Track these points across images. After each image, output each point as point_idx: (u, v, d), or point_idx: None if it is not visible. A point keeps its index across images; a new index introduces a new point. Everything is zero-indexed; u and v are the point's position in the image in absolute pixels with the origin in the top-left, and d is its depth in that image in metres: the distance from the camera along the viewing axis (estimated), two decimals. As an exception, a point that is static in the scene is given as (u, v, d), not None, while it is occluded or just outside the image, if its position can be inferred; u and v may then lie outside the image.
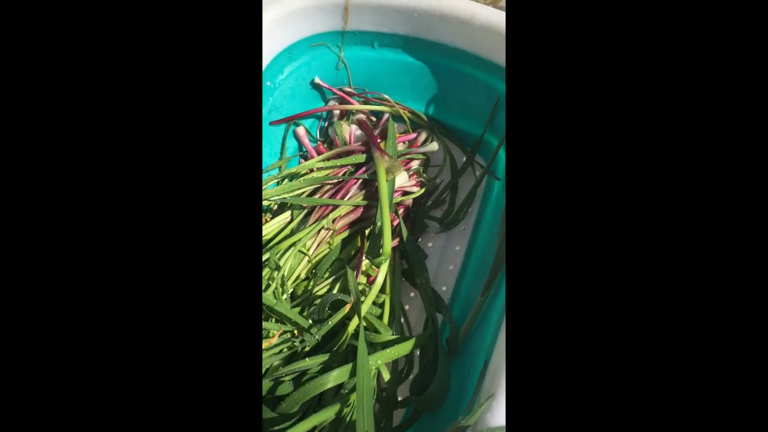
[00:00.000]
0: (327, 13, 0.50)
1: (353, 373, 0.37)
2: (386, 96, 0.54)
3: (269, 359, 0.38)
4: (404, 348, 0.40)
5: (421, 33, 0.50)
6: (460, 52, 0.49)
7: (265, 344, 0.39)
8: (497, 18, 0.45)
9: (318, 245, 0.48)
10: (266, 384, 0.38)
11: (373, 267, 0.49)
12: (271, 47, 0.50)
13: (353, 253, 0.50)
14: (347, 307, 0.42)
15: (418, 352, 0.45)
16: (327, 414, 0.35)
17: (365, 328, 0.44)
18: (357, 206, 0.50)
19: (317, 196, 0.50)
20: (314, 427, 0.35)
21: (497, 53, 0.47)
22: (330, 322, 0.41)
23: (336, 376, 0.36)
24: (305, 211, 0.50)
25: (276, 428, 0.34)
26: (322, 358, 0.39)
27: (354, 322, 0.42)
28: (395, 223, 0.51)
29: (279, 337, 0.40)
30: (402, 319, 0.48)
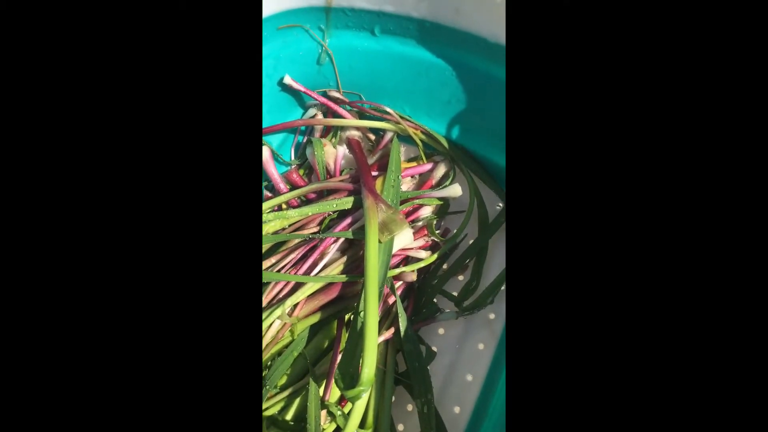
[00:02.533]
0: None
1: None
2: (389, 108, 0.37)
3: None
4: None
5: (445, 18, 0.33)
6: (503, 49, 0.31)
7: None
8: None
9: (272, 340, 0.32)
10: None
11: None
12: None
13: (325, 345, 0.34)
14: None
15: None
16: None
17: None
18: (333, 282, 0.33)
19: (276, 258, 0.34)
20: None
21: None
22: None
23: None
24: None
25: None
26: None
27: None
28: (391, 302, 0.34)
29: None
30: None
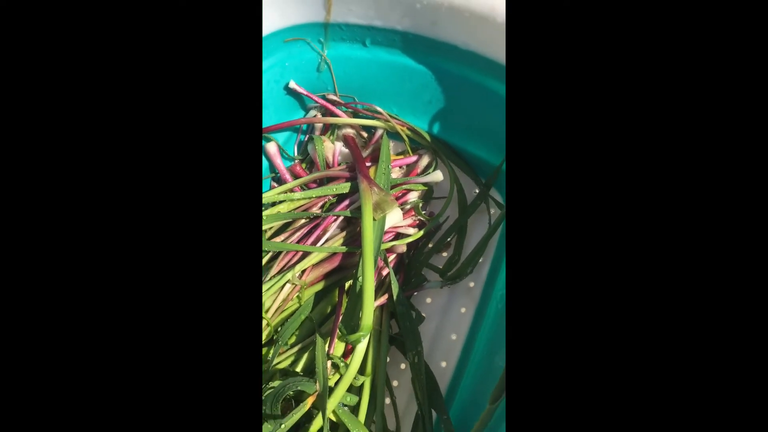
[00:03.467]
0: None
1: None
2: (379, 108, 0.43)
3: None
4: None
5: (425, 30, 0.38)
6: (475, 56, 0.38)
7: None
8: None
9: (283, 302, 0.37)
10: None
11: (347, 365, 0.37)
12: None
13: (329, 310, 0.39)
14: (309, 401, 0.31)
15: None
16: None
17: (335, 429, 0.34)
18: (335, 253, 0.38)
19: (285, 236, 0.39)
20: None
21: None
22: (284, 425, 0.30)
23: None
24: (268, 255, 0.39)
25: None
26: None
27: (318, 423, 0.31)
28: (384, 273, 0.40)
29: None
30: (388, 402, 0.37)
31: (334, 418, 0.34)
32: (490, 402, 0.30)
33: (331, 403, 0.32)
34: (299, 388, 0.32)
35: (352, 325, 0.35)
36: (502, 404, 0.30)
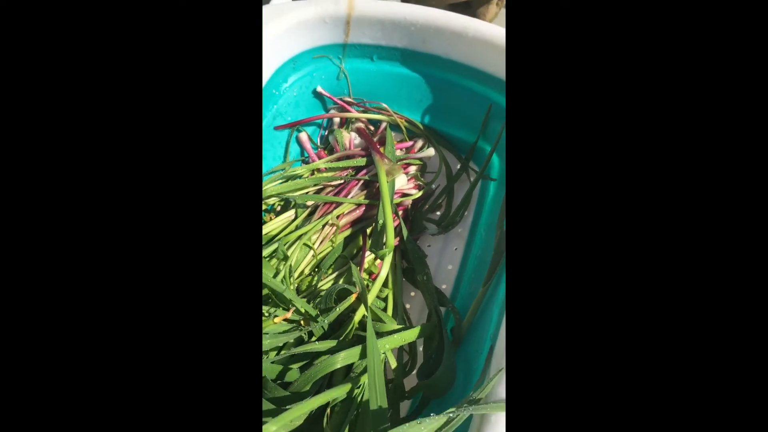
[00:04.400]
0: (330, 26, 0.53)
1: (362, 355, 0.37)
2: (384, 105, 0.57)
3: (274, 341, 0.39)
4: (410, 335, 0.41)
5: (417, 46, 0.53)
6: (454, 63, 0.53)
7: (270, 324, 0.40)
8: (489, 30, 0.49)
9: (322, 242, 0.49)
10: (274, 368, 0.38)
11: (375, 264, 0.50)
12: (276, 57, 0.53)
13: (355, 251, 0.52)
14: (353, 297, 0.43)
15: (423, 345, 0.46)
16: (339, 392, 0.35)
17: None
18: (359, 205, 0.51)
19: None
20: (327, 405, 0.35)
21: (489, 64, 0.50)
22: (337, 309, 0.42)
23: (345, 357, 0.37)
24: (309, 209, 0.51)
25: (288, 407, 0.34)
26: (330, 343, 0.40)
27: (360, 312, 0.43)
28: (395, 223, 0.53)
29: (286, 323, 0.41)
30: (404, 315, 0.49)
31: (369, 315, 0.45)
32: (483, 285, 0.43)
33: (369, 298, 0.44)
34: (345, 286, 0.43)
35: (377, 248, 0.48)
36: (491, 288, 0.43)
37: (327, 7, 0.52)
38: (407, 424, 0.29)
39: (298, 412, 0.32)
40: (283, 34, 0.52)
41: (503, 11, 0.81)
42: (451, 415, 0.29)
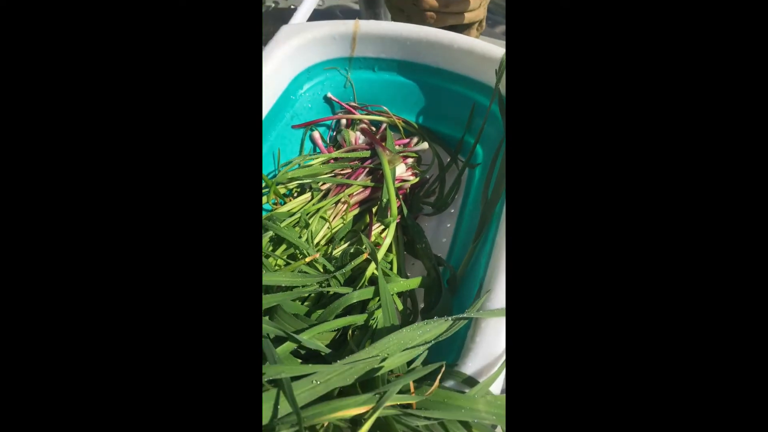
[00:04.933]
0: (338, 42, 0.64)
1: (375, 293, 0.46)
2: (385, 108, 0.67)
3: (301, 279, 0.47)
4: (414, 283, 0.49)
5: (412, 57, 0.64)
6: (442, 71, 0.63)
7: (299, 264, 0.48)
8: (471, 42, 0.59)
9: (335, 218, 0.58)
10: (301, 308, 0.46)
11: (381, 237, 0.58)
12: (293, 68, 0.63)
13: (363, 228, 0.60)
14: (364, 255, 0.51)
15: (423, 299, 0.54)
16: (358, 318, 0.43)
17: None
18: (366, 187, 0.60)
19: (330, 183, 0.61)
20: (349, 328, 0.43)
21: (471, 70, 0.61)
22: (352, 263, 0.50)
23: (360, 294, 0.45)
24: (322, 193, 0.60)
25: (311, 330, 0.41)
26: (347, 289, 0.48)
27: (370, 269, 0.51)
28: (397, 204, 0.62)
29: (309, 268, 0.49)
30: (407, 276, 0.57)
31: (379, 267, 0.54)
32: (473, 242, 0.51)
33: (378, 256, 0.52)
34: (358, 247, 0.52)
35: (383, 217, 0.56)
36: (479, 245, 0.52)
37: (337, 26, 0.63)
38: (416, 324, 0.37)
39: (327, 327, 0.40)
40: (299, 49, 0.62)
41: (481, 36, 0.93)
42: (452, 321, 0.38)
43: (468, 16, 0.81)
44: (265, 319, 0.41)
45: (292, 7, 1.02)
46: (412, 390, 0.33)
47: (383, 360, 0.34)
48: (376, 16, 1.08)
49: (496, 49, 0.57)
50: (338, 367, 0.32)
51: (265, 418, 0.29)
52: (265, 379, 0.30)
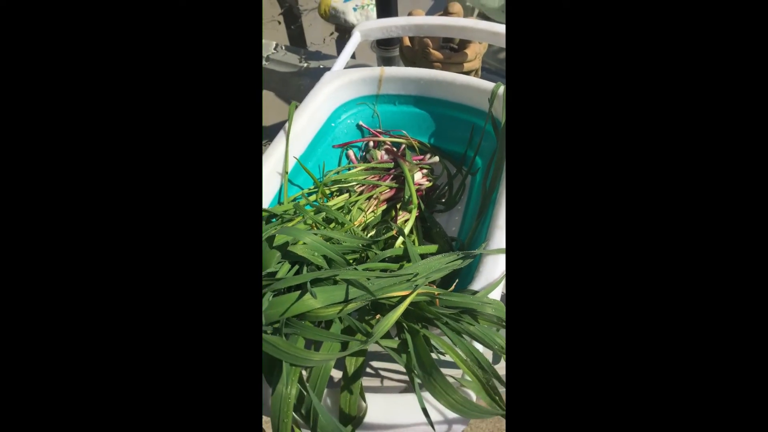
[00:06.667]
0: (368, 83, 0.84)
1: (404, 257, 0.62)
2: (404, 132, 0.86)
3: (349, 244, 0.63)
4: (433, 248, 0.65)
5: (424, 93, 0.83)
6: (448, 102, 0.82)
7: (349, 227, 0.64)
8: (468, 80, 0.79)
9: (368, 211, 0.75)
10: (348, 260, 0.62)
11: (405, 225, 0.75)
12: (334, 103, 0.83)
13: (390, 218, 0.77)
14: (393, 231, 0.68)
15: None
16: (392, 266, 0.59)
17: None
18: (391, 188, 0.78)
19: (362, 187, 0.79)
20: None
21: (470, 100, 0.80)
22: (385, 235, 0.66)
23: (393, 251, 0.61)
24: (357, 193, 0.78)
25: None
26: (381, 254, 0.64)
27: (398, 243, 0.68)
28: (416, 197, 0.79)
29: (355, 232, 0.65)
30: (425, 255, 0.73)
31: (406, 237, 0.70)
32: (476, 219, 0.68)
33: (406, 230, 0.68)
34: (389, 224, 0.68)
35: (407, 207, 0.73)
36: (481, 220, 0.68)
37: (367, 71, 0.83)
38: (438, 255, 0.53)
39: (364, 274, 0.56)
40: (338, 89, 0.82)
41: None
42: (464, 254, 0.54)
43: (466, 66, 1.02)
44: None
45: (321, 66, 1.25)
46: (436, 291, 0.49)
47: (416, 275, 0.50)
48: (390, 71, 1.31)
49: (487, 83, 0.76)
50: (387, 278, 0.48)
51: (342, 297, 0.45)
52: (339, 277, 0.46)
